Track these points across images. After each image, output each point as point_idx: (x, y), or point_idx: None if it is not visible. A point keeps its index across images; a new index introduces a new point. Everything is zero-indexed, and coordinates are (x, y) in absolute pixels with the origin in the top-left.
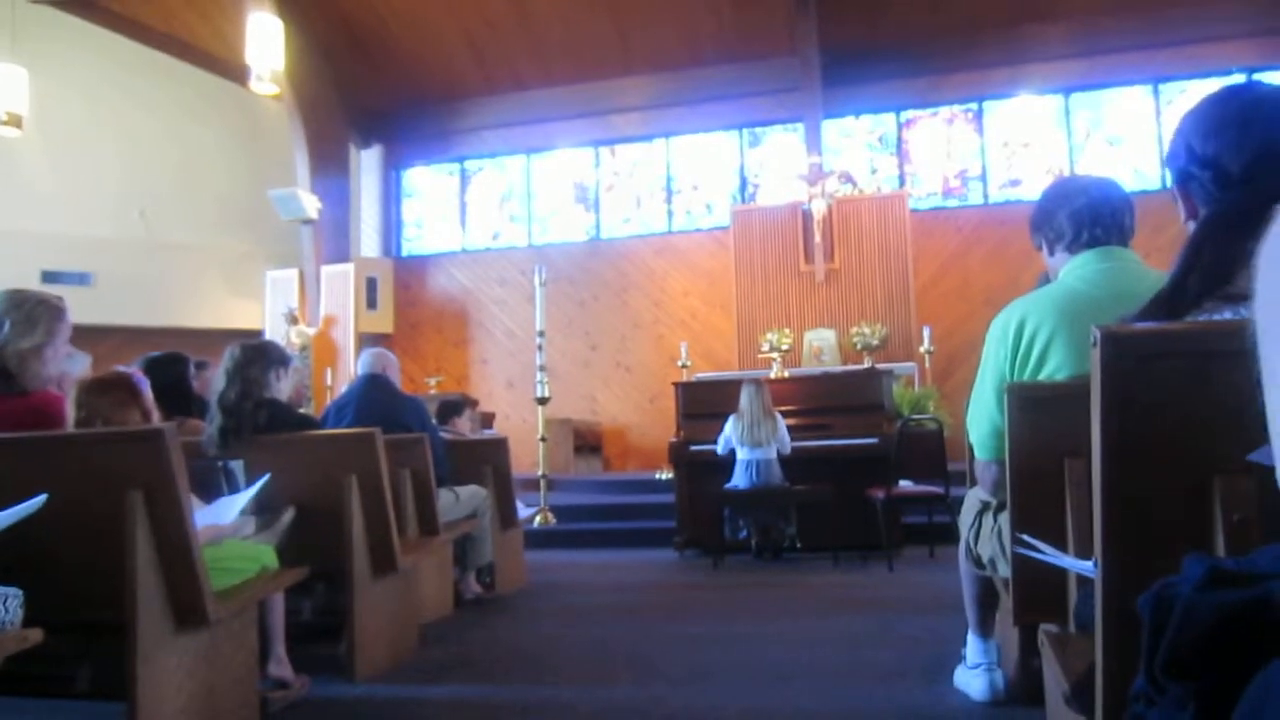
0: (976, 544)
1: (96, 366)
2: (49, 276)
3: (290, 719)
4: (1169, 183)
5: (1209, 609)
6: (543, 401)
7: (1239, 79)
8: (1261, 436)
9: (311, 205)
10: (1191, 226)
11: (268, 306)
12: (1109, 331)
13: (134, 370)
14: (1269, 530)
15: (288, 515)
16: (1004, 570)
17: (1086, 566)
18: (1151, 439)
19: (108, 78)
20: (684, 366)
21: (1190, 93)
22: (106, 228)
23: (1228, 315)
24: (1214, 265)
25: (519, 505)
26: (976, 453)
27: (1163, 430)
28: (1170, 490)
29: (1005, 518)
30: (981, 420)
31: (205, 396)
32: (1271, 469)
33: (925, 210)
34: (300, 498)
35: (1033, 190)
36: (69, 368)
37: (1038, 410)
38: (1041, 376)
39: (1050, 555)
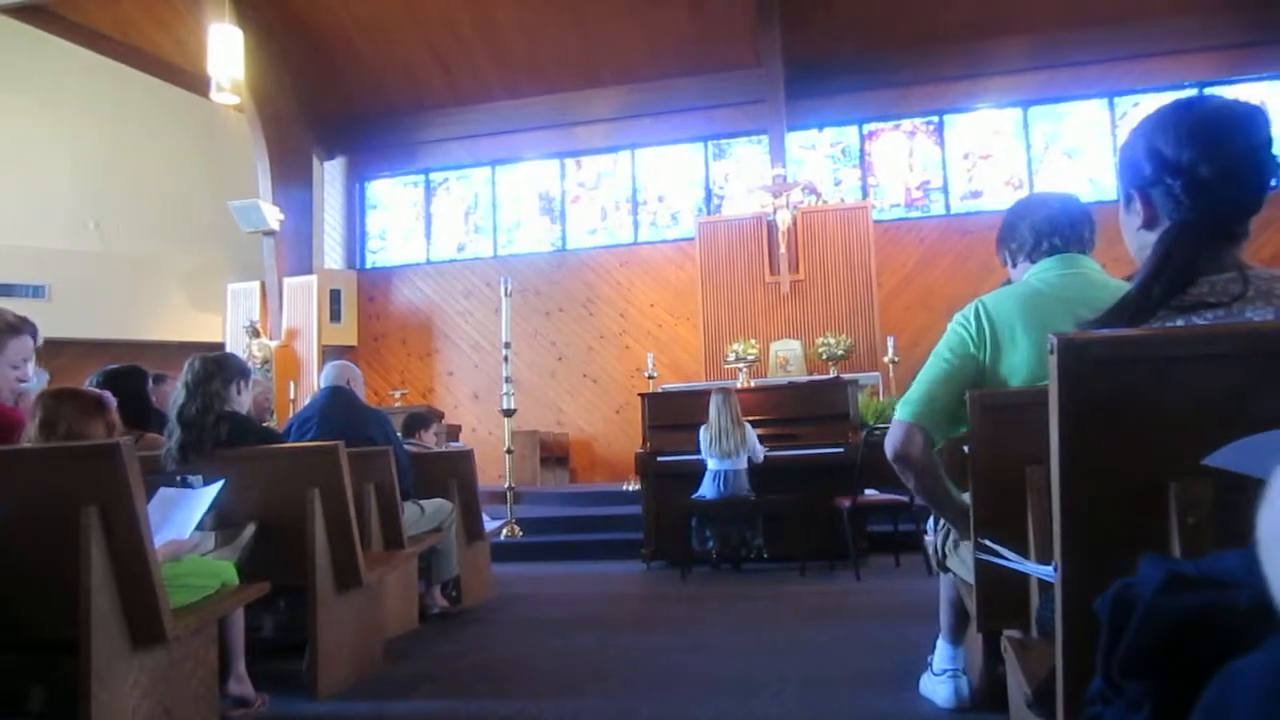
0: (943, 548)
1: (53, 381)
2: (2, 289)
3: None
4: (1121, 187)
5: (1170, 612)
6: (509, 413)
7: (1191, 93)
8: (1215, 444)
9: (273, 216)
10: (1146, 234)
11: (229, 319)
12: (1066, 338)
13: (104, 392)
14: (1222, 534)
15: (248, 530)
16: (964, 573)
17: (1047, 571)
18: (1109, 444)
19: (64, 87)
20: (650, 377)
21: (1143, 106)
22: (62, 240)
23: (1180, 323)
24: (1181, 272)
25: (485, 518)
26: (896, 413)
27: (1120, 435)
28: (1128, 495)
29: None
30: (917, 384)
31: (164, 410)
32: (1227, 473)
33: (888, 221)
34: (262, 512)
35: (993, 201)
36: (29, 388)
37: (999, 417)
38: (1002, 368)
39: (1012, 561)
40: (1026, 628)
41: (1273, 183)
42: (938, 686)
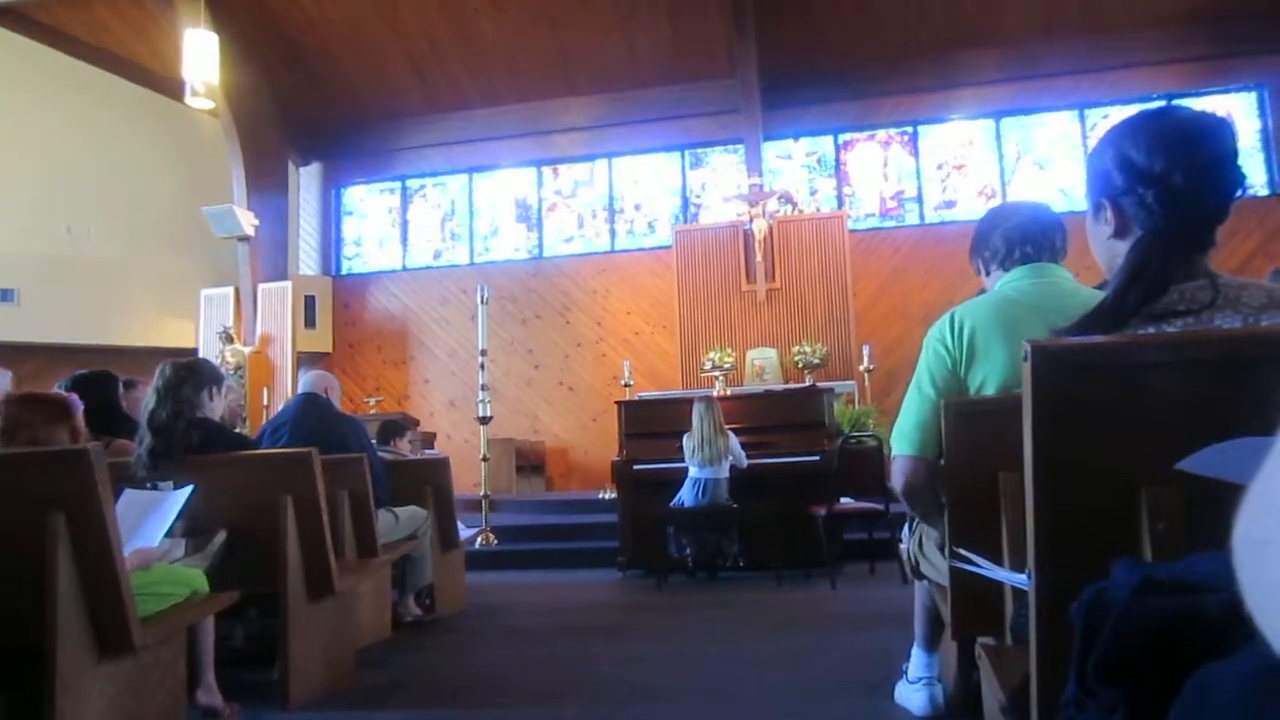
0: (918, 553)
1: (21, 386)
2: None
3: None
4: (1090, 196)
5: (1144, 616)
6: (485, 421)
7: (1159, 104)
8: (1185, 451)
9: (248, 222)
10: (1116, 243)
11: (202, 325)
12: (1039, 345)
13: (69, 394)
14: (1193, 540)
15: (219, 538)
16: (938, 578)
17: (1021, 579)
18: (1082, 451)
19: (37, 89)
20: (627, 385)
21: (1112, 117)
22: (32, 243)
23: (1151, 330)
24: (1155, 280)
25: (460, 526)
26: (894, 447)
27: (1092, 442)
28: (1100, 501)
29: (925, 527)
30: (906, 413)
31: (135, 416)
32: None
33: (863, 231)
34: (234, 520)
35: (967, 211)
36: None
37: (973, 424)
38: (977, 376)
39: (985, 568)
40: (1001, 635)
41: (1238, 192)
42: (912, 694)
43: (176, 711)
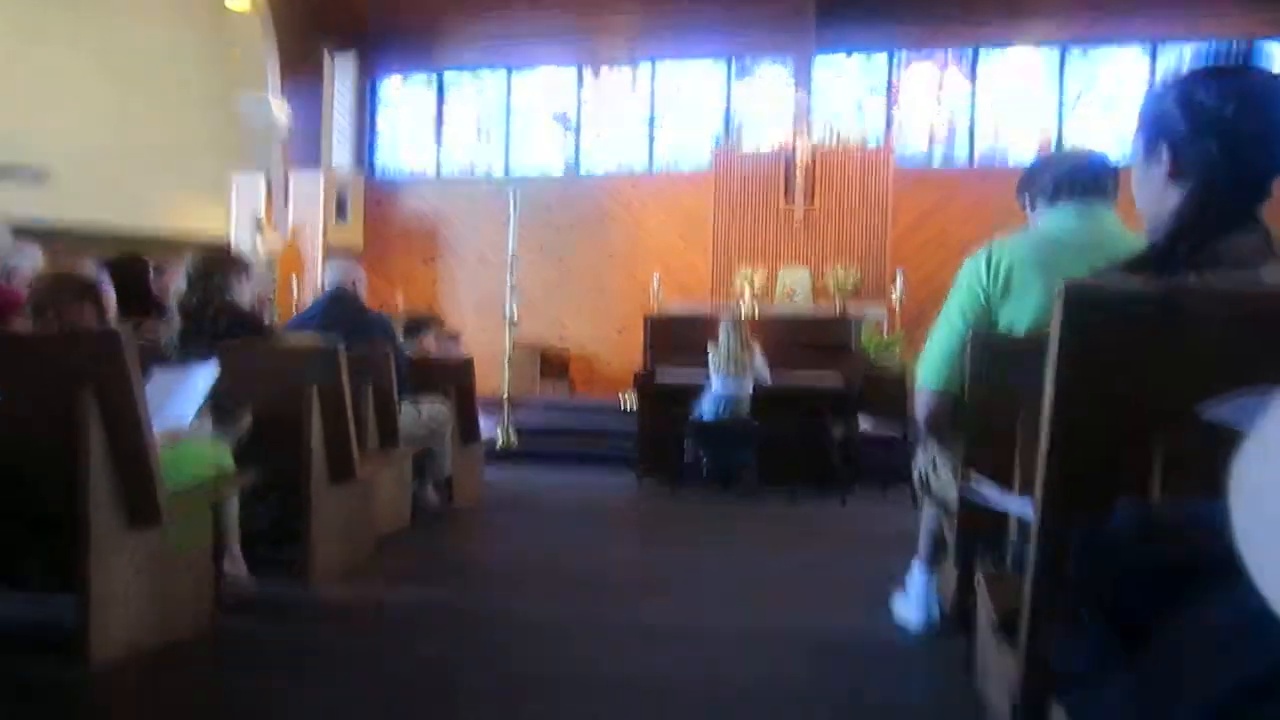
0: (929, 476)
1: (52, 265)
2: (2, 170)
3: (244, 618)
4: (1143, 137)
5: (1145, 561)
6: (512, 324)
7: (1233, 50)
8: (1207, 393)
9: (282, 111)
10: (1169, 186)
11: (233, 211)
12: (1073, 285)
13: (99, 272)
14: (1203, 487)
15: (246, 420)
16: (947, 501)
17: (1027, 511)
18: (1103, 391)
19: None
20: (656, 299)
21: (1185, 58)
22: (65, 123)
23: (1192, 277)
24: (1210, 229)
25: (481, 423)
26: (919, 379)
27: (1113, 383)
28: (1115, 440)
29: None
30: (935, 346)
31: (164, 301)
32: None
33: (909, 162)
34: (260, 405)
35: (1018, 149)
36: (18, 262)
37: (999, 359)
38: (1011, 310)
39: (993, 496)
40: (1001, 563)
41: None
42: (910, 610)
43: (204, 580)
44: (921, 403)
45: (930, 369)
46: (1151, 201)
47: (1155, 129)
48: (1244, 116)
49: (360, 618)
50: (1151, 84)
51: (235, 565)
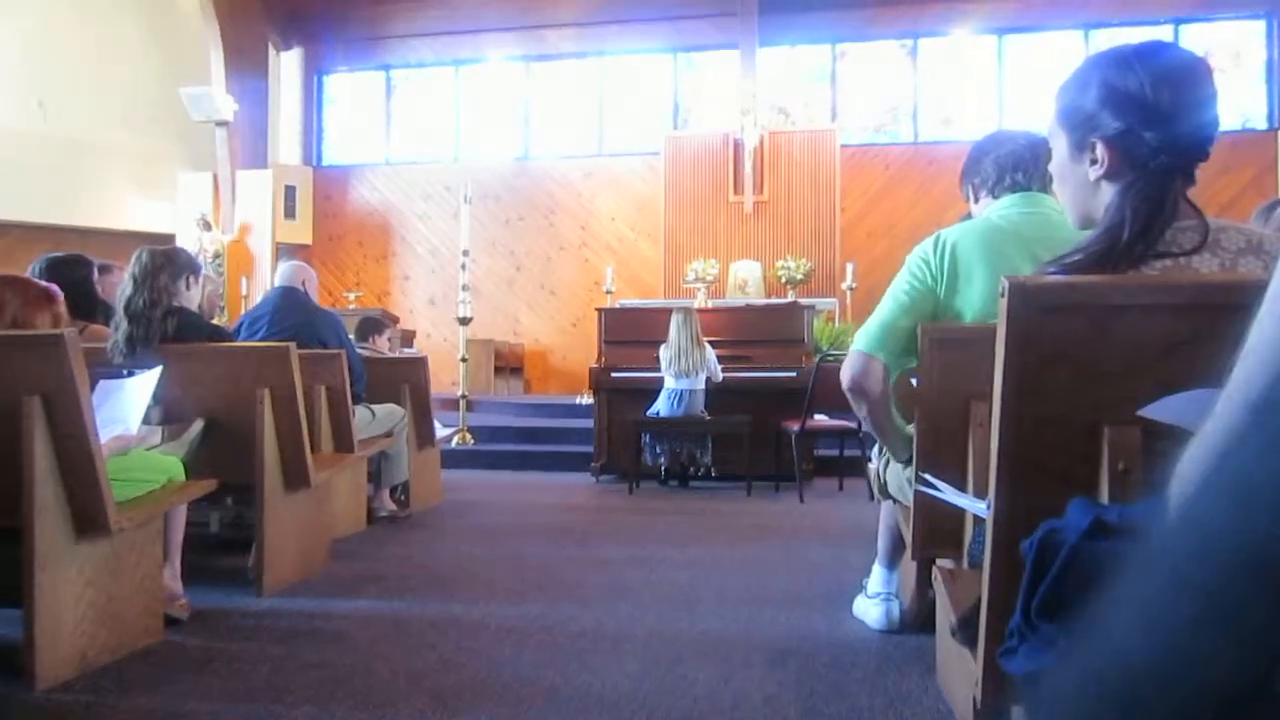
0: (885, 473)
1: None
2: None
3: (196, 630)
4: (1070, 136)
5: (1091, 558)
6: (465, 321)
7: (1166, 29)
8: (1152, 394)
9: (227, 106)
10: (1106, 184)
11: (179, 210)
12: (1017, 281)
13: (51, 284)
14: (1152, 481)
15: (196, 427)
16: (902, 499)
17: (980, 507)
18: (1050, 386)
19: None
20: (609, 292)
21: (1118, 40)
22: (2, 116)
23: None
24: (1165, 223)
25: (437, 425)
26: (854, 344)
27: (1062, 380)
28: (1063, 437)
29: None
30: (873, 316)
31: (109, 301)
32: (1157, 425)
33: (855, 146)
34: (211, 410)
35: (961, 132)
36: None
37: (948, 351)
38: (956, 301)
39: (948, 494)
40: (958, 558)
41: (1214, 133)
42: (870, 608)
43: (153, 592)
44: (846, 364)
45: (864, 334)
46: (1081, 198)
47: (1084, 128)
48: (1180, 107)
49: (313, 628)
50: (1066, 80)
51: (173, 581)
